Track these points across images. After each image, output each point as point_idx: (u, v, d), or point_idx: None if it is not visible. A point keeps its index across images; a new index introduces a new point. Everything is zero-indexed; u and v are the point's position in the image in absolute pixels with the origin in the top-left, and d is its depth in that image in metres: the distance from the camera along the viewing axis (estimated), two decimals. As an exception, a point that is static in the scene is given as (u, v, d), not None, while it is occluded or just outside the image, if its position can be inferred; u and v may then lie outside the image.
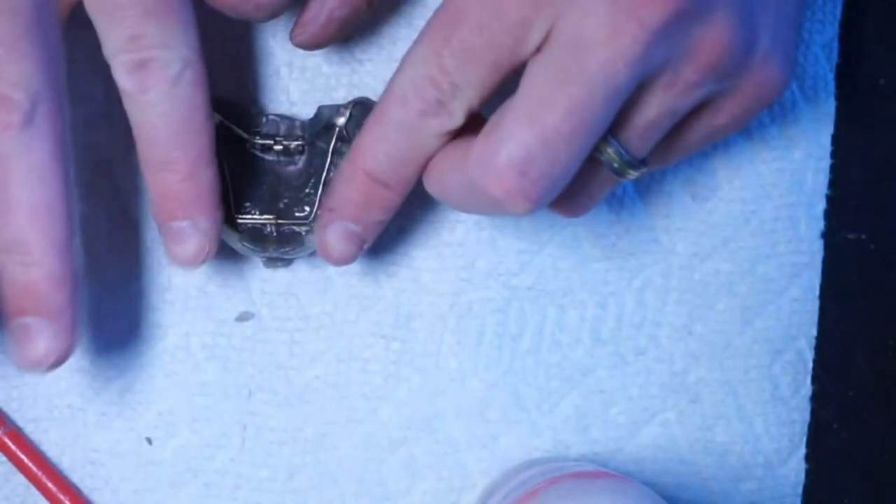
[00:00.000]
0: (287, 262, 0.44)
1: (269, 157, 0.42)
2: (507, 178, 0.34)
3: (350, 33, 0.42)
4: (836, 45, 0.45)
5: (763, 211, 0.45)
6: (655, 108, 0.35)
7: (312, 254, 0.43)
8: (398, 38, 0.44)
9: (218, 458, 0.44)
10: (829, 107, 0.45)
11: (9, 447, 0.43)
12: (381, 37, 0.44)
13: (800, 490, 0.45)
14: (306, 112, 0.44)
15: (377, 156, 0.37)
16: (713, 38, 0.34)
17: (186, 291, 0.44)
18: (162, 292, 0.44)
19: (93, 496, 0.44)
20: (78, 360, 0.44)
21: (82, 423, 0.44)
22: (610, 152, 0.36)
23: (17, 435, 0.44)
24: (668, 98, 0.35)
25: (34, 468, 0.43)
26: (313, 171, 0.42)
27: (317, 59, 0.44)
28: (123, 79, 0.37)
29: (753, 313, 0.45)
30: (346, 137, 0.41)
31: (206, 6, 0.39)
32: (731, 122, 0.38)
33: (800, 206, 0.45)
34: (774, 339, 0.45)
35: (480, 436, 0.45)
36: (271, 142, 0.42)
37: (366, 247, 0.39)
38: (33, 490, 0.44)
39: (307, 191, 0.42)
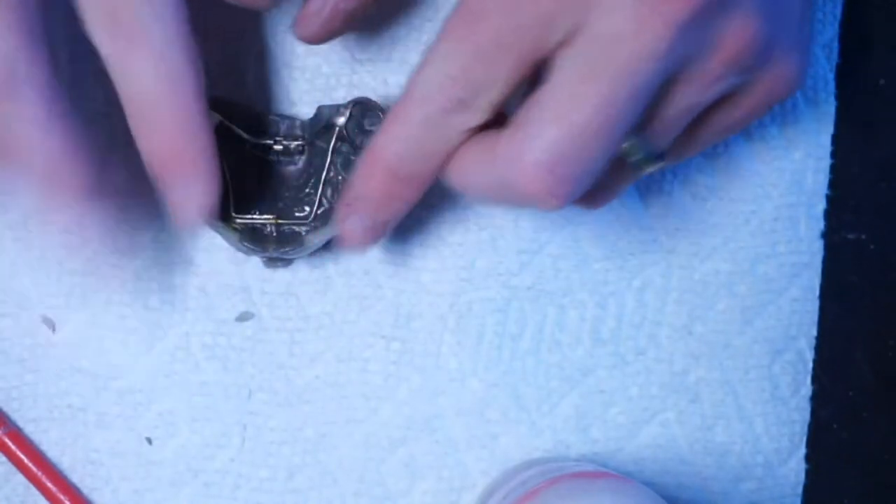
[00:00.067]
0: (287, 262, 0.44)
1: (269, 157, 0.42)
2: (536, 177, 0.33)
3: (355, 28, 0.42)
4: (836, 45, 0.45)
5: (763, 211, 0.45)
6: (678, 102, 0.35)
7: (312, 254, 0.43)
8: (398, 38, 0.44)
9: (218, 458, 0.44)
10: (829, 107, 0.45)
11: (9, 447, 0.43)
12: (381, 37, 0.44)
13: (800, 490, 0.45)
14: (306, 112, 0.44)
15: (398, 152, 0.37)
16: (737, 32, 0.34)
17: (186, 291, 0.44)
18: (162, 292, 0.44)
19: (93, 496, 0.44)
20: (78, 360, 0.44)
21: (82, 423, 0.44)
22: (632, 146, 0.36)
23: (17, 435, 0.44)
24: (691, 92, 0.35)
25: (34, 468, 0.43)
26: (313, 171, 0.42)
27: (317, 59, 0.44)
28: (99, 34, 0.35)
29: (753, 313, 0.45)
30: (346, 137, 0.41)
31: (206, 6, 0.39)
32: (746, 116, 0.38)
33: (800, 206, 0.45)
34: (774, 339, 0.45)
35: (480, 436, 0.45)
36: (271, 142, 0.42)
37: (386, 234, 0.39)
38: (33, 490, 0.44)
39: (307, 191, 0.42)
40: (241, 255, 0.43)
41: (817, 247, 0.45)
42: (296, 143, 0.42)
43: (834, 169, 0.45)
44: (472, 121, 0.35)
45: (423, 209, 0.44)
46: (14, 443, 0.43)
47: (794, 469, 0.45)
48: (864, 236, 0.46)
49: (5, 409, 0.44)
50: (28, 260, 0.44)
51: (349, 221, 0.39)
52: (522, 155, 0.34)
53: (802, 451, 0.45)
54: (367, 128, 0.41)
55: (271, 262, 0.44)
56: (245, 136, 0.42)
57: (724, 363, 0.45)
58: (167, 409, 0.44)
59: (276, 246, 0.42)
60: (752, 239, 0.45)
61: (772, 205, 0.45)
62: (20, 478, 0.44)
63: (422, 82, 0.35)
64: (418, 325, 0.45)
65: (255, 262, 0.44)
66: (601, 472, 0.40)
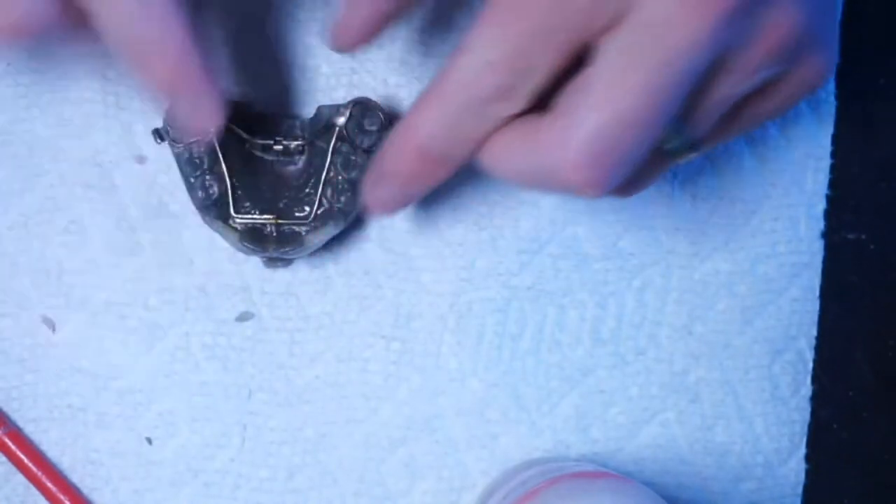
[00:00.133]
0: (287, 262, 0.44)
1: (269, 157, 0.42)
2: (580, 166, 0.33)
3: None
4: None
5: (763, 211, 0.45)
6: (719, 91, 0.35)
7: (312, 254, 0.43)
8: (398, 38, 0.44)
9: (218, 458, 0.44)
10: (829, 107, 0.45)
11: (9, 447, 0.43)
12: (381, 37, 0.44)
13: (800, 490, 0.45)
14: (306, 112, 0.44)
15: (432, 134, 0.36)
16: (780, 21, 0.34)
17: (186, 291, 0.44)
18: (162, 292, 0.44)
19: (93, 496, 0.44)
20: (78, 360, 0.44)
21: (82, 423, 0.44)
22: (670, 134, 0.35)
23: (17, 435, 0.44)
24: (732, 81, 0.34)
25: (34, 468, 0.43)
26: (313, 171, 0.42)
27: (317, 59, 0.44)
28: None
29: (753, 313, 0.45)
30: (346, 137, 0.41)
31: (206, 8, 0.39)
32: (779, 106, 0.37)
33: (800, 206, 0.45)
34: (774, 339, 0.45)
35: (480, 436, 0.45)
36: (271, 142, 0.42)
37: (413, 203, 0.39)
38: (33, 490, 0.44)
39: (307, 191, 0.42)
40: (241, 255, 0.43)
41: (817, 247, 0.45)
42: (296, 143, 0.42)
43: (834, 169, 0.45)
44: (512, 108, 0.35)
45: (423, 209, 0.44)
46: (14, 443, 0.43)
47: (794, 469, 0.45)
48: (864, 236, 0.46)
49: (5, 409, 0.44)
50: (28, 260, 0.44)
51: (377, 192, 0.38)
52: (565, 143, 0.33)
53: (802, 451, 0.45)
54: (367, 128, 0.41)
55: (271, 262, 0.44)
56: (245, 136, 0.42)
57: (724, 363, 0.45)
58: (167, 409, 0.44)
59: (276, 246, 0.42)
60: (752, 239, 0.45)
61: (772, 205, 0.45)
62: (20, 478, 0.44)
63: (462, 67, 0.34)
64: (418, 325, 0.45)
65: (255, 262, 0.44)
66: (601, 472, 0.40)
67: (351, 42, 0.38)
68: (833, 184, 0.45)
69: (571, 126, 0.33)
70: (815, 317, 0.45)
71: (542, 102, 0.34)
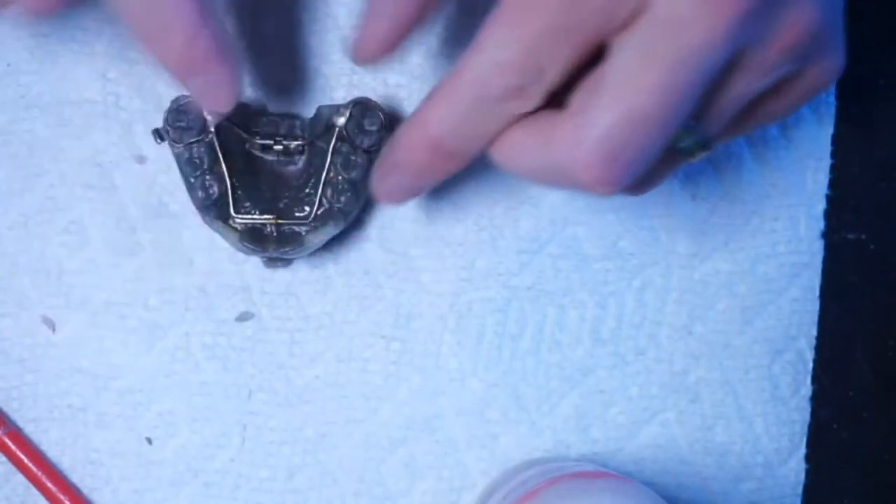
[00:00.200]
0: (287, 262, 0.44)
1: (269, 157, 0.42)
2: (594, 164, 0.33)
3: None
4: (836, 45, 0.45)
5: (763, 211, 0.45)
6: (733, 90, 0.34)
7: (312, 254, 0.43)
8: (398, 38, 0.44)
9: (218, 458, 0.44)
10: (829, 107, 0.45)
11: (9, 447, 0.43)
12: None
13: (800, 490, 0.45)
14: (306, 112, 0.44)
15: (444, 129, 0.35)
16: (797, 20, 0.34)
17: (186, 291, 0.44)
18: (162, 292, 0.44)
19: (93, 496, 0.44)
20: (78, 360, 0.44)
21: (82, 423, 0.44)
22: (683, 133, 0.35)
23: (17, 435, 0.44)
24: (747, 79, 0.34)
25: (34, 468, 0.43)
26: (313, 171, 0.42)
27: (317, 59, 0.44)
28: None
29: (753, 313, 0.45)
30: (346, 137, 0.41)
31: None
32: (791, 104, 0.37)
33: (800, 206, 0.45)
34: (774, 339, 0.45)
35: (480, 436, 0.45)
36: (271, 142, 0.42)
37: (421, 193, 0.39)
38: (33, 490, 0.44)
39: (307, 191, 0.42)
40: (241, 255, 0.43)
41: (817, 247, 0.45)
42: (296, 143, 0.42)
43: (834, 169, 0.45)
44: (525, 107, 0.34)
45: (423, 208, 0.44)
46: (14, 443, 0.43)
47: (794, 469, 0.45)
48: (864, 236, 0.46)
49: (5, 409, 0.44)
50: (28, 260, 0.44)
51: (386, 183, 0.38)
52: (578, 142, 0.33)
53: (802, 451, 0.45)
54: (367, 128, 0.41)
55: (271, 262, 0.44)
56: (245, 135, 0.42)
57: (724, 363, 0.45)
58: (167, 409, 0.44)
59: (276, 246, 0.42)
60: (752, 239, 0.45)
61: (772, 205, 0.45)
62: (20, 478, 0.44)
63: (475, 65, 0.34)
64: (418, 325, 0.45)
65: (255, 262, 0.44)
66: (601, 472, 0.40)
67: (373, 55, 0.37)
68: (833, 184, 0.45)
69: (584, 125, 0.33)
70: (815, 317, 0.45)
71: (555, 98, 0.34)
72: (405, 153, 0.37)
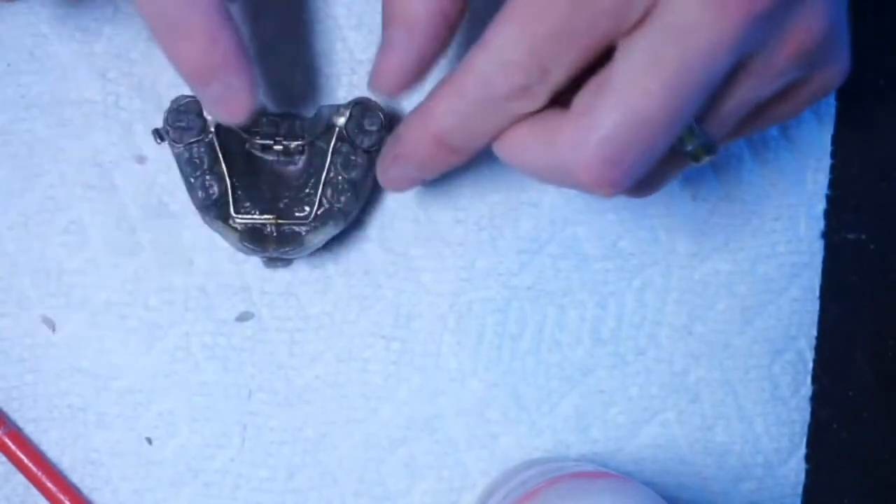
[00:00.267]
0: (287, 262, 0.44)
1: (269, 157, 0.42)
2: (596, 166, 0.33)
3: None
4: (836, 45, 0.45)
5: (763, 211, 0.45)
6: (741, 94, 0.34)
7: (312, 254, 0.43)
8: (398, 38, 0.44)
9: (218, 458, 0.44)
10: (829, 107, 0.45)
11: (9, 447, 0.43)
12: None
13: (800, 490, 0.45)
14: (306, 112, 0.44)
15: (449, 124, 0.36)
16: (806, 26, 0.33)
17: (186, 291, 0.44)
18: (162, 292, 0.44)
19: (93, 496, 0.44)
20: (78, 360, 0.44)
21: (82, 423, 0.44)
22: (688, 136, 0.35)
23: (17, 435, 0.44)
24: (754, 84, 0.34)
25: (34, 468, 0.43)
26: (313, 171, 0.42)
27: (317, 59, 0.44)
28: None
29: (753, 313, 0.45)
30: (346, 137, 0.41)
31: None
32: (797, 108, 0.37)
33: (800, 206, 0.45)
34: (774, 339, 0.45)
35: (480, 436, 0.45)
36: (271, 142, 0.42)
37: (425, 182, 0.39)
38: (33, 490, 0.44)
39: (307, 191, 0.42)
40: (241, 255, 0.43)
41: (817, 247, 0.45)
42: (296, 143, 0.42)
43: (834, 169, 0.45)
44: (531, 106, 0.34)
45: (423, 208, 0.44)
46: (14, 443, 0.43)
47: (794, 469, 0.45)
48: (864, 236, 0.46)
49: (5, 409, 0.44)
50: (28, 260, 0.44)
51: (392, 172, 0.38)
52: (581, 143, 0.33)
53: (802, 451, 0.45)
54: (367, 128, 0.41)
55: (271, 262, 0.44)
56: (245, 135, 0.42)
57: (724, 363, 0.45)
58: (167, 409, 0.44)
59: (276, 246, 0.42)
60: (752, 239, 0.45)
61: (772, 205, 0.45)
62: (20, 478, 0.44)
63: (482, 64, 0.34)
64: (418, 325, 0.45)
65: (255, 262, 0.44)
66: (601, 472, 0.40)
67: (389, 87, 0.37)
68: (833, 184, 0.45)
69: (589, 126, 0.33)
70: (815, 317, 0.45)
71: (561, 97, 0.34)
72: (410, 145, 0.37)
